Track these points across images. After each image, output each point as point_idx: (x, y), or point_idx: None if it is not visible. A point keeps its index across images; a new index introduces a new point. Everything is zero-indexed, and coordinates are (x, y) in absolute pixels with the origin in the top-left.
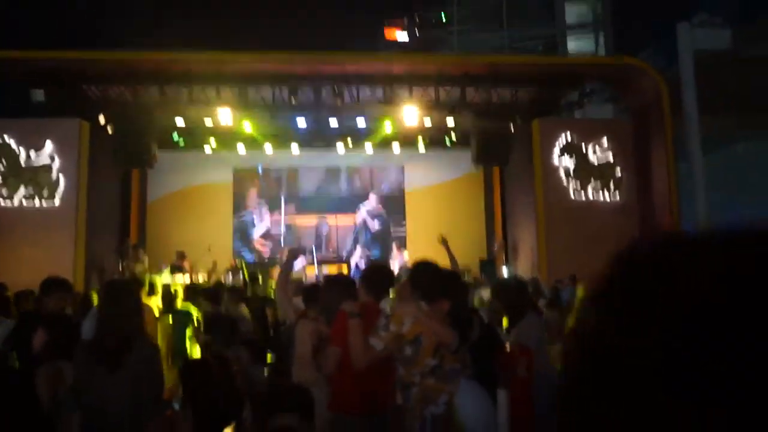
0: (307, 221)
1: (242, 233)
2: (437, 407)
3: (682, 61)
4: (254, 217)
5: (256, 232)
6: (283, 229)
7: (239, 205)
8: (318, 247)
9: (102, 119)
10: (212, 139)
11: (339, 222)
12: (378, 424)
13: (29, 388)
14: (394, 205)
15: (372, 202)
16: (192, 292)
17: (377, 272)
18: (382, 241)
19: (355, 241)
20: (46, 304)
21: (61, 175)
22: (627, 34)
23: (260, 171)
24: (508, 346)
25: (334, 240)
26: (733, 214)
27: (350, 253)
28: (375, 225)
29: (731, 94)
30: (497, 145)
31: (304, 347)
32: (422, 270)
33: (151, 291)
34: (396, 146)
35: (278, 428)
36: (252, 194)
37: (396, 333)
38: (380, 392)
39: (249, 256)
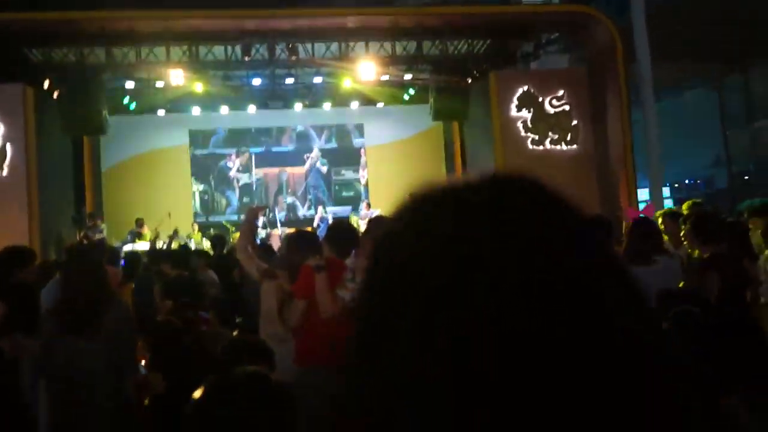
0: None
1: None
2: None
3: (634, 9)
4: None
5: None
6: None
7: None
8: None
9: (47, 84)
10: (165, 102)
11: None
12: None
13: None
14: (351, 159)
15: (315, 152)
16: (156, 257)
17: (341, 230)
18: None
19: (306, 188)
20: (16, 275)
21: (8, 144)
22: None
23: (221, 133)
24: None
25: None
26: (684, 159)
27: (303, 199)
28: (322, 169)
29: (682, 42)
30: (455, 99)
31: (269, 304)
32: (376, 224)
33: (113, 259)
34: (354, 104)
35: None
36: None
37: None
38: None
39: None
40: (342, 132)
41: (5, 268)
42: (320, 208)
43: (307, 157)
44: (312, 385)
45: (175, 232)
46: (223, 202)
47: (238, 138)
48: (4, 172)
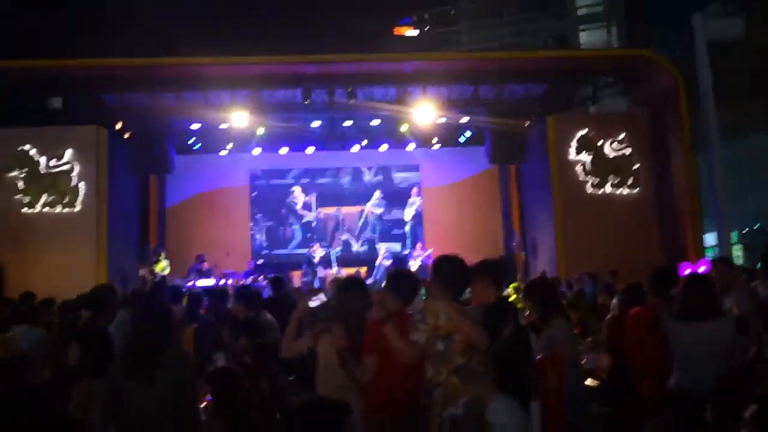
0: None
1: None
2: (456, 409)
3: (698, 52)
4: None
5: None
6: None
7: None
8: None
9: (119, 125)
10: (228, 143)
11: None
12: (417, 422)
13: (60, 403)
14: (401, 199)
15: (377, 197)
16: (222, 296)
17: (404, 277)
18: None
19: (362, 229)
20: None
21: (81, 182)
22: (639, 25)
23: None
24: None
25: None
26: (750, 204)
27: (357, 237)
28: (378, 213)
29: (746, 83)
30: (512, 142)
31: (327, 359)
32: (448, 264)
33: (176, 296)
34: (411, 145)
35: None
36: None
37: (433, 325)
38: (418, 390)
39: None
40: (395, 172)
41: (89, 310)
42: (382, 250)
43: (369, 199)
44: None
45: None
46: (287, 235)
47: (299, 176)
48: (77, 208)
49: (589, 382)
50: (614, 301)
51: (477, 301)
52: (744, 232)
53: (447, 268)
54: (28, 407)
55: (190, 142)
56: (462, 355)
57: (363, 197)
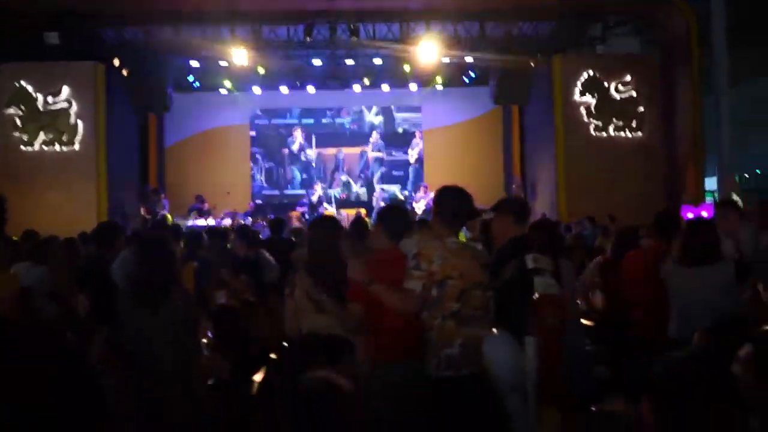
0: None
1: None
2: (452, 349)
3: None
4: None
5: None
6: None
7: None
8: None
9: (117, 62)
10: (228, 81)
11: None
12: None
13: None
14: (404, 140)
15: (375, 136)
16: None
17: (394, 212)
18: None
19: (362, 170)
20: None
21: (79, 120)
22: None
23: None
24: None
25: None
26: (754, 148)
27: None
28: (378, 156)
29: (759, 28)
30: (517, 82)
31: (301, 303)
32: (446, 196)
33: (177, 235)
34: (413, 85)
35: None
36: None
37: (428, 271)
38: (416, 334)
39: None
40: (397, 113)
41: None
42: (376, 192)
43: (370, 141)
44: (385, 382)
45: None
46: (287, 176)
47: (300, 116)
48: (76, 147)
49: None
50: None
51: (499, 238)
52: (746, 177)
53: (447, 199)
54: (41, 340)
55: (189, 79)
56: (456, 300)
57: (364, 138)
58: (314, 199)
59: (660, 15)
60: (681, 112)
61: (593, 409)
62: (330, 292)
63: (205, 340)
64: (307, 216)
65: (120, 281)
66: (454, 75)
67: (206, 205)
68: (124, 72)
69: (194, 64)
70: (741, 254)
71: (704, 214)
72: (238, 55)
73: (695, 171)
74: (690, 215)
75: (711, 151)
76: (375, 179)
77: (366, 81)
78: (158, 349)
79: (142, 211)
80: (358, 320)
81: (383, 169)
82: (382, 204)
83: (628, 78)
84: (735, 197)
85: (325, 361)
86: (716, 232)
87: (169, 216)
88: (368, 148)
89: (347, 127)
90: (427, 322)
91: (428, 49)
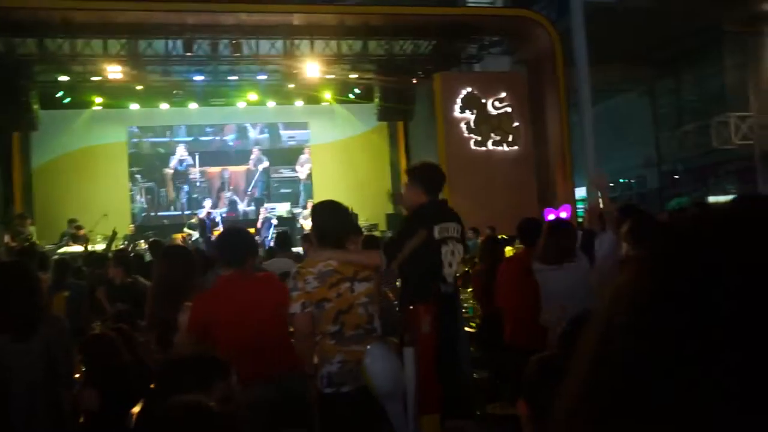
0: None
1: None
2: (331, 365)
3: (573, 13)
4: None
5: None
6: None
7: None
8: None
9: None
10: (101, 97)
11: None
12: (280, 387)
13: None
14: (291, 157)
15: (256, 152)
16: (100, 260)
17: (230, 238)
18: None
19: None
20: None
21: None
22: None
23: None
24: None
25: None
26: (618, 159)
27: (243, 195)
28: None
29: (617, 46)
30: (400, 98)
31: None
32: (317, 213)
33: (42, 265)
34: (299, 102)
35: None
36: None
37: (303, 292)
38: (277, 354)
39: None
40: (283, 130)
41: None
42: (262, 209)
43: (250, 158)
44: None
45: (114, 234)
46: (170, 197)
47: (181, 134)
48: None
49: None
50: None
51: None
52: (611, 185)
53: (317, 216)
54: None
55: (58, 95)
56: (333, 322)
57: (249, 156)
58: (203, 216)
59: (527, 34)
60: (550, 126)
61: (477, 413)
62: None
63: (77, 375)
64: (192, 238)
65: None
66: (340, 91)
67: (81, 231)
68: None
69: (63, 78)
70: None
71: (563, 215)
72: (112, 70)
73: (564, 180)
74: (551, 216)
75: (579, 164)
76: (264, 197)
77: (250, 98)
78: (28, 376)
79: (7, 238)
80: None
81: (274, 185)
82: (271, 221)
83: (503, 94)
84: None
85: (195, 384)
86: (573, 233)
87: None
88: (250, 165)
89: (231, 144)
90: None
91: (312, 66)
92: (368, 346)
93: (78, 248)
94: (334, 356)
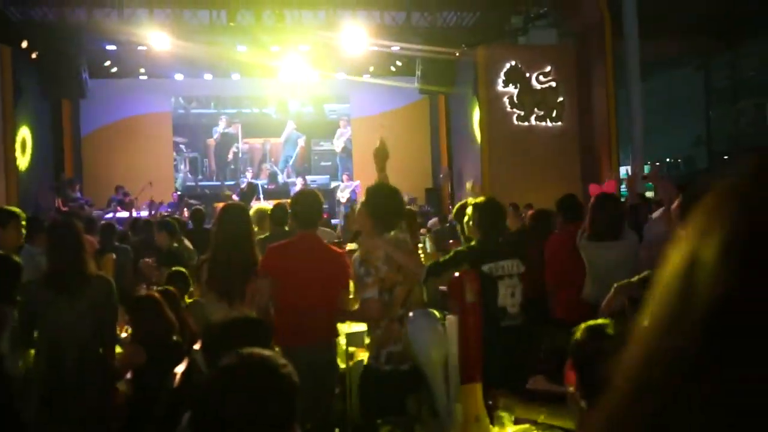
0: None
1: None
2: (396, 345)
3: None
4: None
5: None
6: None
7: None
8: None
9: (25, 44)
10: (148, 66)
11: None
12: (317, 350)
13: None
14: (330, 130)
15: (290, 125)
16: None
17: (306, 199)
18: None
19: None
20: (2, 237)
21: None
22: None
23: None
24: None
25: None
26: (668, 137)
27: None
28: (298, 141)
29: (671, 18)
30: (443, 71)
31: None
32: (379, 196)
33: (90, 228)
34: (340, 74)
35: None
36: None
37: (377, 278)
38: (321, 323)
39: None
40: (325, 103)
41: None
42: (299, 179)
43: (284, 131)
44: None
45: (152, 202)
46: (212, 168)
47: (225, 104)
48: None
49: None
50: None
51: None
52: (657, 164)
53: (376, 200)
54: None
55: (105, 64)
56: (402, 305)
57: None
58: (244, 187)
59: (577, 6)
60: (597, 102)
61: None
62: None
63: (124, 334)
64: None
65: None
66: (381, 64)
67: (128, 197)
68: (34, 55)
69: (111, 48)
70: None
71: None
72: (158, 40)
73: (609, 157)
74: (597, 192)
75: (627, 141)
76: (289, 169)
77: (292, 69)
78: (77, 333)
79: (58, 203)
80: (265, 298)
81: (314, 157)
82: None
83: (548, 69)
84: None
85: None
86: (621, 208)
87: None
88: (281, 140)
89: (273, 117)
90: (372, 322)
91: (354, 37)
92: (410, 314)
93: (125, 213)
94: (400, 338)
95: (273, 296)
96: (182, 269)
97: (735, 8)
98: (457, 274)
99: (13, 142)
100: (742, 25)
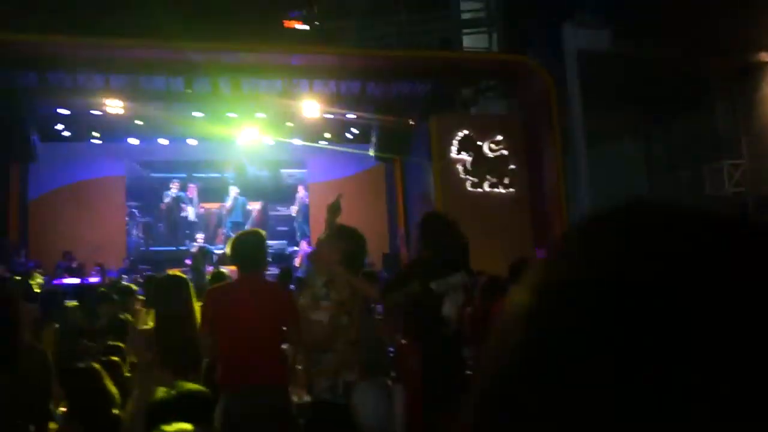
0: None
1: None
2: (350, 376)
3: (567, 60)
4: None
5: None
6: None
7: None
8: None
9: None
10: (101, 130)
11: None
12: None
13: None
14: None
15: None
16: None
17: (244, 240)
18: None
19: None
20: None
21: None
22: (518, 32)
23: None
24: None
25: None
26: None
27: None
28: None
29: (613, 92)
30: (397, 139)
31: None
32: (352, 235)
33: (30, 297)
34: (297, 140)
35: None
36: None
37: (338, 300)
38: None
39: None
40: (281, 167)
41: None
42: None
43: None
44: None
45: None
46: (167, 230)
47: (180, 169)
48: None
49: None
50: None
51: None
52: None
53: (350, 236)
54: None
55: (57, 128)
56: (369, 352)
57: (250, 194)
58: (195, 252)
59: (524, 79)
60: (546, 169)
61: None
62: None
63: (62, 408)
64: (189, 274)
65: None
66: (337, 131)
67: (75, 263)
68: None
69: (64, 111)
70: None
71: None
72: (113, 105)
73: (560, 222)
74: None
75: (575, 207)
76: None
77: (249, 135)
78: (6, 415)
79: (0, 269)
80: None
81: (270, 222)
82: None
83: (500, 137)
84: None
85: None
86: None
87: (38, 275)
88: (226, 204)
89: (230, 181)
90: (323, 345)
91: (311, 106)
92: (358, 384)
93: (74, 280)
94: (355, 365)
95: (215, 342)
96: (120, 344)
97: (667, 85)
98: (403, 341)
99: None
100: (675, 100)
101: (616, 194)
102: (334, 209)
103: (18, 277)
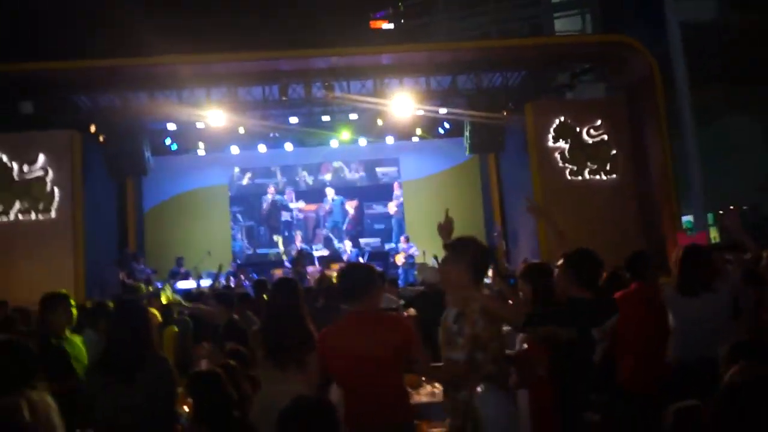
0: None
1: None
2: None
3: (670, 33)
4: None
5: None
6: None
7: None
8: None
9: (93, 128)
10: (205, 142)
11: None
12: None
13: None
14: (383, 193)
15: (330, 192)
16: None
17: (350, 273)
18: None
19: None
20: (49, 321)
21: (55, 187)
22: (613, 11)
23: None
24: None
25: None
26: (726, 187)
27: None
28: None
29: (720, 66)
30: (491, 131)
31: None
32: (478, 248)
33: (153, 301)
34: (390, 138)
35: None
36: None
37: (472, 335)
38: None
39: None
40: (375, 166)
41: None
42: (348, 242)
43: (326, 197)
44: None
45: (221, 268)
46: (268, 235)
47: (277, 174)
48: (52, 215)
49: None
50: None
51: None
52: (720, 213)
53: (477, 252)
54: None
55: (166, 142)
56: (494, 363)
57: (345, 193)
58: (295, 254)
59: (624, 60)
60: (652, 153)
61: None
62: (287, 355)
63: (186, 408)
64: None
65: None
66: (429, 127)
67: (182, 269)
68: (101, 138)
69: (171, 126)
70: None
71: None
72: (215, 117)
73: (670, 209)
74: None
75: (686, 190)
76: (356, 233)
77: (343, 136)
78: (133, 419)
79: (122, 276)
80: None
81: (367, 221)
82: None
83: (599, 122)
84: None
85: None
86: (712, 261)
87: (168, 287)
88: (325, 206)
89: (327, 184)
90: (456, 380)
91: (402, 103)
92: (479, 389)
93: (190, 283)
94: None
95: (336, 381)
96: (240, 348)
97: None
98: (525, 346)
99: (82, 222)
100: None
101: (731, 174)
102: (447, 229)
103: (142, 285)
